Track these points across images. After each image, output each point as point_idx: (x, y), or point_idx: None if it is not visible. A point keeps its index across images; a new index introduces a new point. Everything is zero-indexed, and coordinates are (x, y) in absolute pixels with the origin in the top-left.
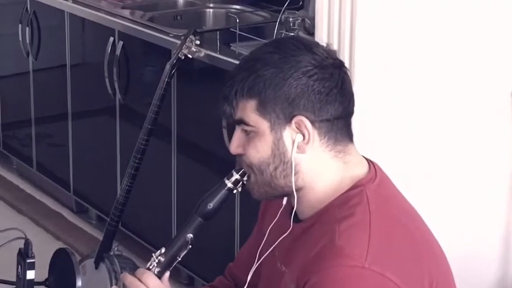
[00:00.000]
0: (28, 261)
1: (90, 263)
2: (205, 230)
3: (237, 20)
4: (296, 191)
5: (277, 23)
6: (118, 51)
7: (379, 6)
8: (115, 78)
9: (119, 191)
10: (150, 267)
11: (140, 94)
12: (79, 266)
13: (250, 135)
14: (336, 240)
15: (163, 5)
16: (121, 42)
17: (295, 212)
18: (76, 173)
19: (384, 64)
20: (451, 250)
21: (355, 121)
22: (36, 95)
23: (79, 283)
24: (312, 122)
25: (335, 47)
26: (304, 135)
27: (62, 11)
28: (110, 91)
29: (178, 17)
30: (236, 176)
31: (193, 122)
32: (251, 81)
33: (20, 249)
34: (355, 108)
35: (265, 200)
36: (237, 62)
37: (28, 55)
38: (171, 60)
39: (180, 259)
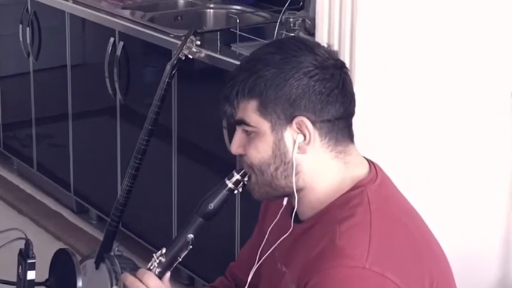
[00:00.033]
0: (29, 261)
1: (90, 263)
2: (205, 231)
3: (238, 21)
4: (297, 191)
5: (278, 24)
6: (118, 52)
7: (379, 6)
8: (115, 78)
9: (119, 192)
10: (151, 267)
11: (141, 94)
12: (80, 267)
13: (251, 135)
14: (336, 240)
15: (163, 6)
16: (121, 43)
17: (295, 212)
18: (76, 173)
19: (384, 64)
20: (452, 250)
21: (356, 122)
22: (37, 96)
23: (79, 283)
24: (313, 123)
25: (335, 47)
26: (305, 136)
27: (63, 12)
28: (110, 91)
29: (179, 18)
30: (237, 177)
31: (193, 123)
32: (252, 81)
33: (20, 249)
34: (356, 109)
35: (266, 200)
36: (237, 62)
37: (28, 55)
38: (171, 60)
39: (180, 259)
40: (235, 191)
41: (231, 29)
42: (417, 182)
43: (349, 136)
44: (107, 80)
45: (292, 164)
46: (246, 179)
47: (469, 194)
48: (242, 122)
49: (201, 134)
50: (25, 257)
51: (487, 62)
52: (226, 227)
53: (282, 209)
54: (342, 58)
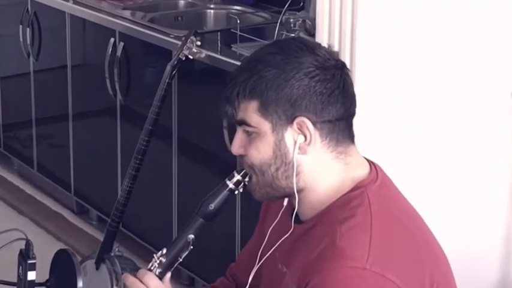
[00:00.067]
0: (29, 262)
1: (91, 263)
2: (206, 231)
3: (238, 21)
4: (297, 192)
5: (278, 24)
6: (119, 52)
7: (379, 7)
8: (116, 79)
9: (119, 192)
10: (152, 268)
11: (141, 95)
12: (80, 267)
13: (252, 136)
14: (337, 241)
15: (164, 6)
16: (122, 43)
17: (296, 213)
18: (77, 173)
19: (384, 65)
20: (452, 251)
21: (356, 122)
22: (37, 96)
23: (80, 284)
24: (314, 123)
25: (336, 48)
26: (305, 136)
27: (63, 12)
28: (110, 92)
29: (179, 18)
30: (237, 177)
31: (194, 123)
32: (253, 82)
33: (21, 250)
34: (356, 110)
35: (267, 200)
36: (237, 63)
37: (29, 56)
38: (171, 61)
39: (181, 260)
40: (236, 192)
41: (232, 30)
42: (417, 183)
43: (350, 137)
44: (107, 81)
45: (293, 165)
46: (246, 179)
47: (470, 195)
48: (243, 123)
49: (201, 135)
50: (25, 257)
51: (487, 63)
52: (227, 228)
53: (283, 209)
54: (342, 59)
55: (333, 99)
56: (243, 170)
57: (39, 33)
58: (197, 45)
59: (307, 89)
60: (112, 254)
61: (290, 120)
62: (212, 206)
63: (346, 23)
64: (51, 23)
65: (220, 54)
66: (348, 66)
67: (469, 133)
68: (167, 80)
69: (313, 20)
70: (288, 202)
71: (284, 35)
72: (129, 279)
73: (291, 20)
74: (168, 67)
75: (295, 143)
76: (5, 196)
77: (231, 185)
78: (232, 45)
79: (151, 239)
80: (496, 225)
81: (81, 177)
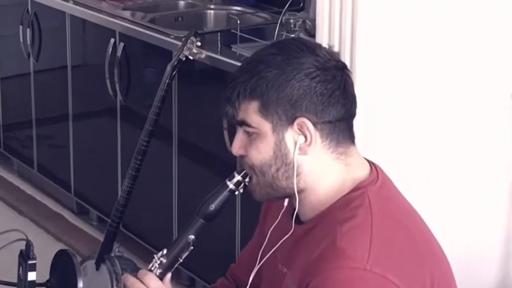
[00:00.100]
0: (29, 262)
1: (91, 264)
2: (206, 232)
3: (238, 22)
4: (298, 192)
5: (278, 25)
6: (119, 53)
7: (380, 7)
8: (116, 79)
9: (119, 192)
10: (152, 268)
11: (141, 95)
12: (80, 268)
13: (252, 136)
14: (337, 242)
15: (164, 7)
16: (122, 44)
17: (296, 213)
18: (77, 174)
19: (384, 66)
20: (452, 252)
21: (357, 123)
22: (37, 96)
23: (80, 284)
24: (314, 124)
25: (336, 48)
26: (306, 137)
27: (63, 13)
28: (110, 92)
29: (179, 19)
30: (238, 178)
31: (194, 124)
32: (253, 82)
33: (21, 250)
34: (357, 110)
35: (267, 201)
36: (238, 63)
37: (29, 56)
38: (172, 61)
39: (181, 260)
40: (236, 192)
41: (232, 30)
42: (418, 183)
43: (350, 137)
44: (108, 81)
45: (293, 165)
46: (247, 180)
47: (470, 195)
48: (243, 123)
49: (201, 135)
50: (26, 258)
51: (487, 64)
52: (227, 228)
53: (283, 210)
54: (342, 59)
55: (333, 100)
56: (244, 170)
57: (40, 33)
58: (197, 46)
59: (307, 90)
60: (112, 255)
61: (290, 121)
62: (212, 207)
63: (346, 24)
64: (52, 23)
65: (221, 55)
66: (348, 66)
67: (469, 134)
68: (167, 81)
69: (313, 21)
70: (289, 203)
71: (284, 36)
72: (130, 279)
73: (291, 21)
74: (168, 67)
75: (295, 143)
76: (5, 196)
77: (231, 186)
78: (232, 45)
79: (151, 239)
80: (496, 226)
81: (81, 177)
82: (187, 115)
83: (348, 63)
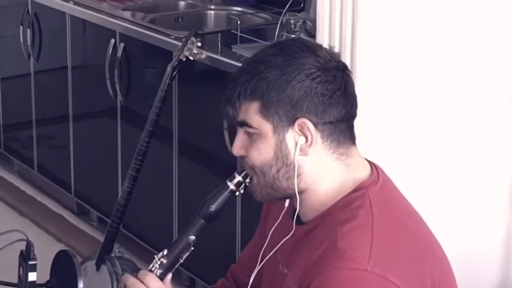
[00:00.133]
0: (30, 263)
1: (91, 264)
2: (206, 232)
3: (238, 22)
4: (298, 193)
5: (279, 25)
6: (119, 53)
7: (380, 8)
8: (116, 80)
9: (120, 193)
10: (153, 269)
11: (141, 96)
12: (80, 268)
13: (253, 137)
14: (338, 242)
15: (164, 7)
16: (122, 44)
17: (297, 214)
18: (77, 174)
19: (385, 66)
20: (453, 252)
21: (357, 123)
22: (38, 97)
23: (80, 285)
24: (315, 125)
25: (336, 49)
26: (307, 138)
27: (63, 13)
28: (111, 93)
29: (180, 19)
30: (238, 178)
31: (194, 124)
32: (254, 83)
33: (21, 251)
34: (357, 111)
35: (268, 202)
36: (238, 63)
37: (29, 57)
38: (172, 62)
39: (182, 261)
40: (237, 193)
41: (232, 31)
42: (418, 184)
43: (351, 138)
44: (108, 82)
45: (294, 166)
46: (247, 180)
47: (470, 196)
48: (244, 124)
49: (201, 136)
50: (26, 258)
51: (487, 64)
52: (227, 229)
53: (284, 211)
54: (342, 60)
55: (334, 100)
56: (244, 171)
57: (40, 34)
58: (197, 46)
59: (308, 90)
60: (112, 255)
61: (291, 122)
62: (213, 207)
63: (346, 24)
64: (52, 24)
65: (221, 55)
66: (349, 67)
67: (469, 134)
68: (167, 81)
69: (314, 21)
70: (289, 203)
71: (284, 36)
72: (130, 280)
73: (292, 21)
74: (169, 68)
75: (296, 144)
76: (5, 197)
77: (232, 186)
78: (232, 46)
79: (151, 240)
80: (497, 226)
81: (81, 178)
82: (187, 115)
83: (348, 63)
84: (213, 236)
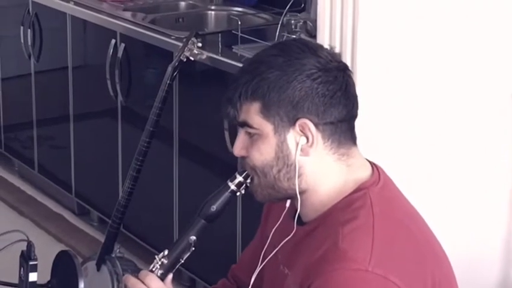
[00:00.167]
0: (30, 263)
1: (91, 265)
2: (207, 232)
3: (239, 22)
4: (299, 193)
5: (279, 26)
6: (120, 54)
7: (381, 8)
8: (117, 80)
9: (120, 193)
10: (153, 269)
11: (142, 96)
12: (81, 268)
13: (254, 137)
14: (339, 243)
15: (165, 8)
16: (123, 45)
17: (298, 214)
18: (78, 175)
19: (385, 66)
20: (453, 252)
21: (358, 124)
22: (38, 97)
23: (81, 285)
24: (316, 125)
25: (337, 49)
26: (307, 138)
27: (64, 13)
28: (111, 93)
29: (180, 20)
30: (239, 179)
31: (195, 124)
32: (255, 84)
33: (22, 251)
34: (358, 111)
35: (268, 202)
36: (238, 64)
37: (30, 57)
38: (173, 62)
39: (182, 261)
40: (238, 193)
41: (233, 31)
42: (419, 184)
43: (352, 138)
44: (108, 82)
45: (295, 166)
46: (248, 181)
47: (471, 196)
48: (245, 124)
49: (202, 136)
50: (27, 259)
51: (487, 64)
52: (228, 229)
53: (285, 211)
54: (343, 60)
55: (335, 101)
56: (245, 171)
57: (40, 34)
58: (198, 47)
59: (309, 91)
60: (113, 255)
61: (292, 122)
62: (214, 208)
63: (347, 24)
64: (52, 24)
65: (221, 56)
66: (350, 67)
67: (469, 134)
68: (168, 82)
69: (314, 22)
70: (290, 204)
71: (285, 37)
72: (131, 280)
73: (292, 22)
74: (169, 68)
75: (297, 144)
76: (6, 197)
77: (232, 187)
78: (233, 46)
79: (152, 240)
80: (497, 226)
81: (82, 178)
82: (188, 116)
83: (349, 64)
84: (213, 236)
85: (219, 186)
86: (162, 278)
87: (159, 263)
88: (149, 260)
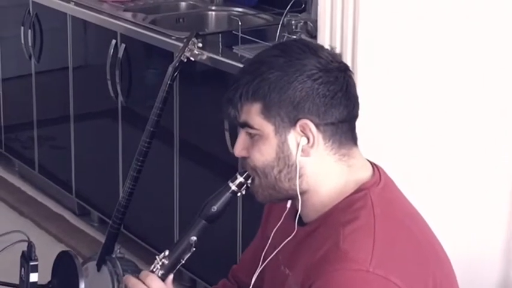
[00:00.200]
0: (31, 263)
1: (92, 265)
2: (208, 233)
3: (239, 23)
4: (300, 194)
5: (280, 26)
6: (120, 54)
7: (381, 8)
8: (117, 80)
9: (121, 194)
10: (154, 269)
11: (142, 97)
12: (82, 269)
13: (255, 138)
14: (340, 243)
15: (165, 8)
16: (123, 45)
17: (299, 215)
18: (78, 175)
19: (386, 67)
20: (454, 253)
21: (359, 124)
22: (39, 98)
23: (82, 285)
24: (317, 126)
25: (338, 50)
26: (308, 139)
27: (64, 14)
28: (112, 93)
29: (181, 20)
30: (240, 179)
31: (195, 125)
32: (256, 84)
33: (23, 251)
34: (359, 112)
35: (269, 203)
36: (239, 64)
37: (30, 57)
38: (173, 62)
39: (183, 262)
40: (239, 194)
41: (233, 31)
42: (420, 185)
43: (353, 139)
44: (109, 82)
45: (296, 167)
46: (249, 181)
47: (472, 197)
48: (246, 125)
49: (203, 136)
50: (28, 259)
51: (489, 65)
52: (228, 230)
53: (286, 211)
54: (344, 60)
55: (335, 101)
56: (246, 172)
57: (41, 34)
58: (198, 47)
59: (310, 91)
60: (113, 256)
61: (293, 123)
62: (215, 208)
63: (348, 25)
64: (53, 24)
65: (222, 56)
66: (350, 68)
67: (470, 135)
68: (169, 82)
69: (315, 22)
70: (291, 204)
71: (286, 37)
72: (131, 280)
73: (293, 22)
74: (170, 69)
75: (298, 145)
76: (6, 197)
77: (233, 187)
78: (233, 47)
79: (152, 240)
80: (498, 226)
81: (82, 178)
82: (188, 116)
83: (349, 64)
84: (214, 236)
85: (219, 186)
86: (163, 278)
87: (160, 263)
88: (150, 260)
